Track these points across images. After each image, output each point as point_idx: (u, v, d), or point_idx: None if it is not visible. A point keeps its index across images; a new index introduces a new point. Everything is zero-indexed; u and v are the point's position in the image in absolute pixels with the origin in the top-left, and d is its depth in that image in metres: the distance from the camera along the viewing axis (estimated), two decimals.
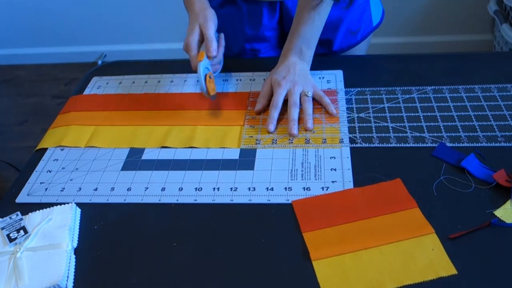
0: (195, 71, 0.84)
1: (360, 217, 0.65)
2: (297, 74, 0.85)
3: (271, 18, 0.99)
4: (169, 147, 0.80)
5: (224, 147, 0.79)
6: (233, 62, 0.99)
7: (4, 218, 0.68)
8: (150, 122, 0.85)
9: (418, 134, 0.77)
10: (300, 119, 0.81)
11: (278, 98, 0.82)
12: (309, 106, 0.82)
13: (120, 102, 0.92)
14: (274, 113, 0.81)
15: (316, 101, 0.85)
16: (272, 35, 1.03)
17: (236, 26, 1.00)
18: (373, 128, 0.79)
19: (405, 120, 0.80)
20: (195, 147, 0.80)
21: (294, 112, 0.81)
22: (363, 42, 1.03)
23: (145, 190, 0.73)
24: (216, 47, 0.85)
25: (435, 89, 0.86)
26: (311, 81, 0.87)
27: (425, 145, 0.75)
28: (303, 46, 0.88)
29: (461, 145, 0.74)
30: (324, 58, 0.98)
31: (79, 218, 0.70)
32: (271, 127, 0.80)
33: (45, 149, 0.83)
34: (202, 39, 0.86)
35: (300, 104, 0.83)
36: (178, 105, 0.89)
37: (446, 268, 0.58)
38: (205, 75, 0.83)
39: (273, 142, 0.79)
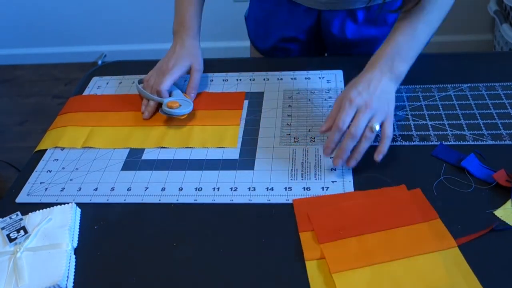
0: (158, 92, 0.85)
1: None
2: (377, 95, 0.71)
3: (308, 23, 0.99)
4: (168, 147, 0.80)
5: (222, 147, 0.79)
6: (238, 62, 0.99)
7: (4, 218, 0.68)
8: (148, 123, 0.85)
9: (423, 133, 0.77)
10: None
11: (344, 118, 0.69)
12: (365, 146, 0.70)
13: (118, 102, 0.92)
14: (337, 136, 0.70)
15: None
16: (306, 39, 1.02)
17: (274, 22, 1.00)
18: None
19: (410, 119, 0.80)
20: (193, 147, 0.79)
21: (348, 143, 0.69)
22: None
23: (145, 190, 0.73)
24: (194, 95, 0.88)
25: (439, 88, 0.86)
26: (390, 109, 0.72)
27: (429, 143, 0.75)
28: (396, 56, 0.73)
29: (465, 143, 0.74)
30: (324, 58, 0.98)
31: (79, 218, 0.70)
32: (328, 151, 0.71)
33: (45, 149, 0.83)
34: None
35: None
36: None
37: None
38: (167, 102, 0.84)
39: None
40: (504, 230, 0.62)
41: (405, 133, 0.77)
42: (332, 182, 0.71)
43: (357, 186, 0.70)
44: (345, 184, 0.70)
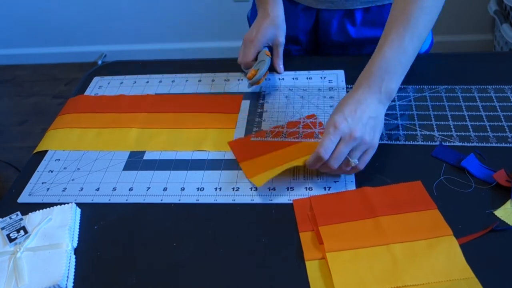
0: (245, 64, 0.92)
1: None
2: (363, 122, 0.66)
3: (307, 23, 0.99)
4: (167, 151, 0.80)
5: (226, 150, 0.79)
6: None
7: (4, 218, 0.68)
8: (147, 125, 0.85)
9: (427, 133, 0.77)
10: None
11: (327, 146, 0.66)
12: (342, 171, 0.69)
13: (117, 104, 0.91)
14: (318, 163, 0.68)
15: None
16: (306, 40, 1.02)
17: None
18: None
19: (416, 118, 0.80)
20: (187, 151, 0.79)
21: (325, 169, 0.68)
22: None
23: (147, 190, 0.73)
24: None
25: (447, 89, 0.86)
26: (374, 139, 0.68)
27: (432, 143, 0.75)
28: (386, 74, 0.68)
29: (470, 144, 0.74)
30: (325, 58, 0.98)
31: (79, 218, 0.70)
32: (311, 168, 0.70)
33: (46, 149, 0.83)
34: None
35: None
36: (180, 107, 0.89)
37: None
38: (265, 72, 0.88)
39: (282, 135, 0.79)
40: (504, 230, 0.62)
41: (410, 132, 0.77)
42: (334, 182, 0.71)
43: (359, 186, 0.70)
44: (347, 184, 0.70)
